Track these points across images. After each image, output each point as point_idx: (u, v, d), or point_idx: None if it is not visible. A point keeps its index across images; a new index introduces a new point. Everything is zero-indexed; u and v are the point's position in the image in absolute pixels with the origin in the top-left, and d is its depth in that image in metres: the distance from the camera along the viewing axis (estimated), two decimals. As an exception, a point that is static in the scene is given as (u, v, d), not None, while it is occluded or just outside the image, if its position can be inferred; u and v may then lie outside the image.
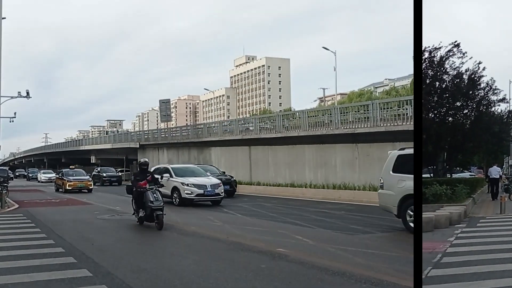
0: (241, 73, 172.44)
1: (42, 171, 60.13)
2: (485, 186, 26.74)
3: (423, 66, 21.13)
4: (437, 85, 22.03)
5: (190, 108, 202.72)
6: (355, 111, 24.81)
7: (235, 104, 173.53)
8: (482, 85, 22.34)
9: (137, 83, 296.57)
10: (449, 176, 24.21)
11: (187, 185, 18.91)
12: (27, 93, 37.26)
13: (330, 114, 25.50)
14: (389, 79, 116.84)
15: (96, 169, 46.57)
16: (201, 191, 18.80)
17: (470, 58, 21.79)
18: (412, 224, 10.86)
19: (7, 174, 38.45)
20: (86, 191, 30.70)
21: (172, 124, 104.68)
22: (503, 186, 24.04)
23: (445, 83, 22.10)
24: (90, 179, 33.03)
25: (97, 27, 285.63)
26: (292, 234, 11.12)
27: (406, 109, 21.13)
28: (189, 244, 10.20)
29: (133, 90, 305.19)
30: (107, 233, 11.96)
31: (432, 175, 22.77)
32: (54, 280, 6.92)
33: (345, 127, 24.39)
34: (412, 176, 9.96)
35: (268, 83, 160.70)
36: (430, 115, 21.83)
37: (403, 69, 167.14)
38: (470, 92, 22.20)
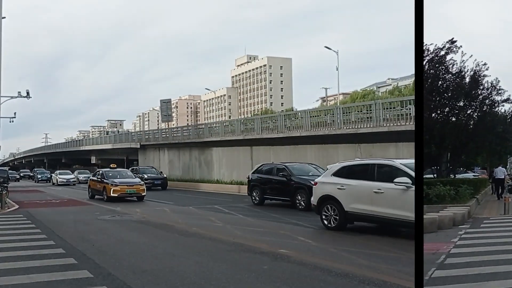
0: (243, 73, 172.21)
1: (58, 171, 51.09)
2: (488, 187, 26.65)
3: (426, 67, 21.03)
4: (439, 85, 21.93)
5: (191, 108, 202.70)
6: (358, 111, 24.69)
7: (237, 104, 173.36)
8: (485, 85, 22.27)
9: (137, 83, 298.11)
10: (453, 176, 24.08)
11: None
12: (27, 93, 37.31)
13: (333, 114, 25.40)
14: (392, 79, 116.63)
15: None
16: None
17: (471, 57, 21.75)
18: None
19: (7, 175, 38.15)
20: (136, 199, 22.57)
21: (173, 124, 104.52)
22: (508, 187, 23.97)
23: (447, 83, 22.01)
24: (142, 182, 24.23)
25: (98, 27, 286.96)
26: (294, 235, 11.05)
27: (409, 109, 20.99)
28: (190, 245, 10.14)
29: (133, 90, 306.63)
30: (108, 234, 11.91)
31: (435, 175, 22.70)
32: (54, 281, 6.90)
33: (347, 127, 24.26)
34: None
35: (270, 82, 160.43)
36: (433, 115, 21.73)
37: (406, 68, 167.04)
38: (473, 92, 22.12)
